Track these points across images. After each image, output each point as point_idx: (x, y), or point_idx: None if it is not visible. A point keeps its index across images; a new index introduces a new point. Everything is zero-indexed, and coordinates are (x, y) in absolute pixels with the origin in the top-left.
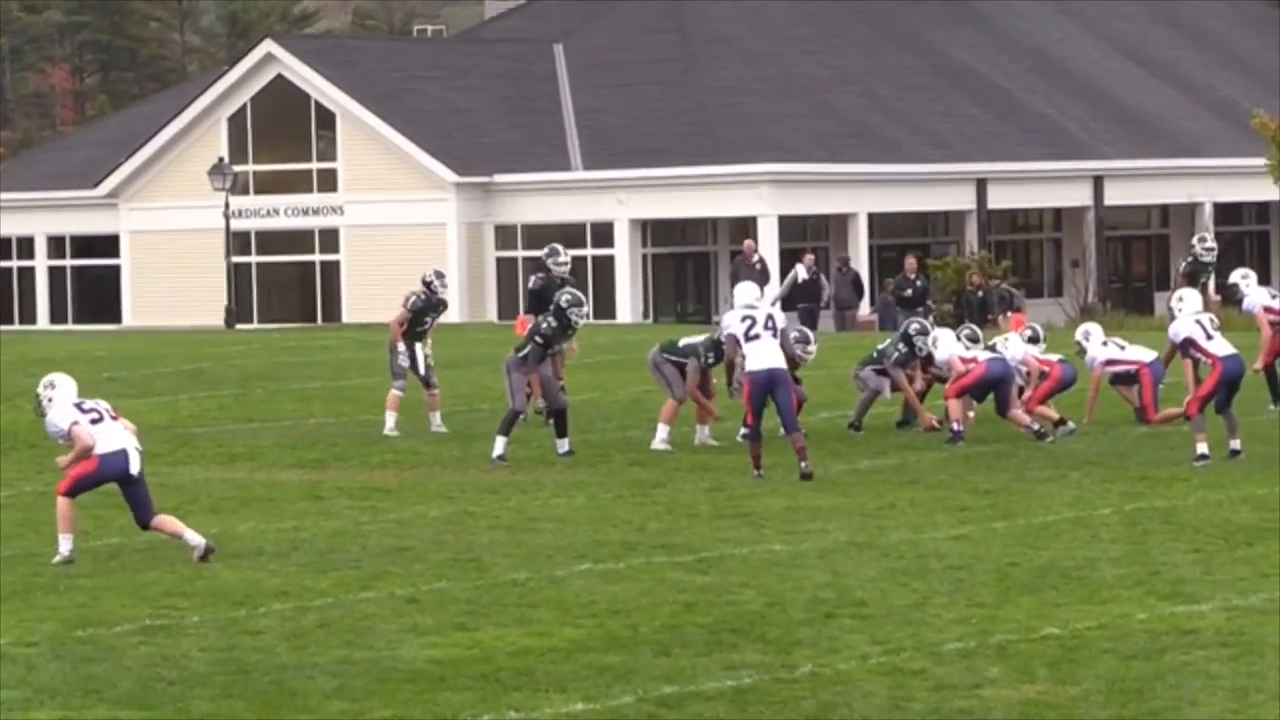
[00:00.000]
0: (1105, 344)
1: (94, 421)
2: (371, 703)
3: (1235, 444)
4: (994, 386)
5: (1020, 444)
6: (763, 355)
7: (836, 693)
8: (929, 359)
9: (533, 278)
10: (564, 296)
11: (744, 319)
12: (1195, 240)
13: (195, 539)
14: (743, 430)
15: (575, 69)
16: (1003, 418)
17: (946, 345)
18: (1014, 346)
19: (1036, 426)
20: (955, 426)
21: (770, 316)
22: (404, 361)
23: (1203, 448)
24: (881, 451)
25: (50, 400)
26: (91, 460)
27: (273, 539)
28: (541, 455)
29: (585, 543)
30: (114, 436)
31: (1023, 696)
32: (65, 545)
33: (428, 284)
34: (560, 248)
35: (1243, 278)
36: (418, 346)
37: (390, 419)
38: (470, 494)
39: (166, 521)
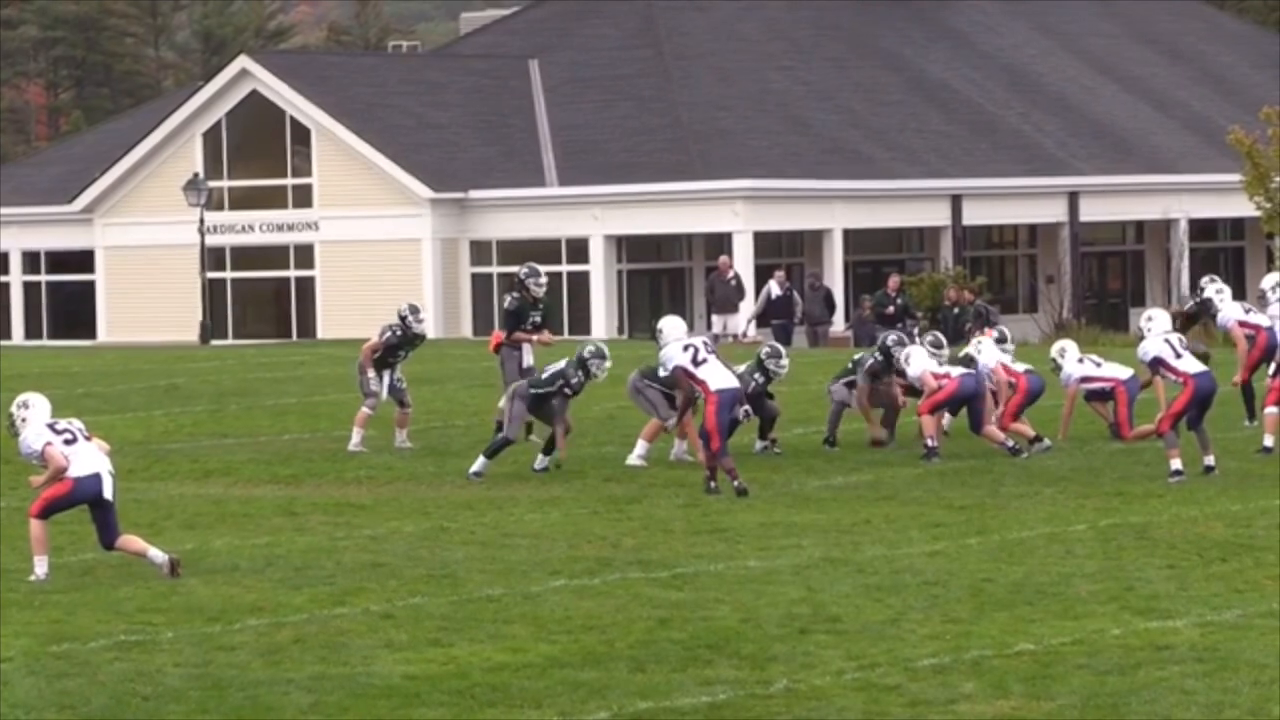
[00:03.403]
0: (1081, 361)
1: (68, 442)
2: (346, 718)
3: (1209, 460)
4: (967, 402)
5: (995, 460)
6: (723, 375)
7: (811, 708)
8: (902, 373)
9: (508, 297)
10: (588, 348)
11: (685, 348)
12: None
13: (158, 556)
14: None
15: (550, 85)
16: (976, 434)
17: (919, 362)
18: (987, 352)
19: (1010, 443)
20: (929, 442)
21: (705, 343)
22: (374, 387)
23: (1177, 464)
24: (856, 468)
25: (24, 420)
26: (65, 483)
27: (247, 555)
28: (517, 471)
29: (560, 558)
30: (88, 459)
31: (997, 712)
32: (41, 567)
33: (403, 318)
34: (539, 268)
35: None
36: (386, 373)
37: (356, 435)
38: (445, 509)
39: (130, 541)
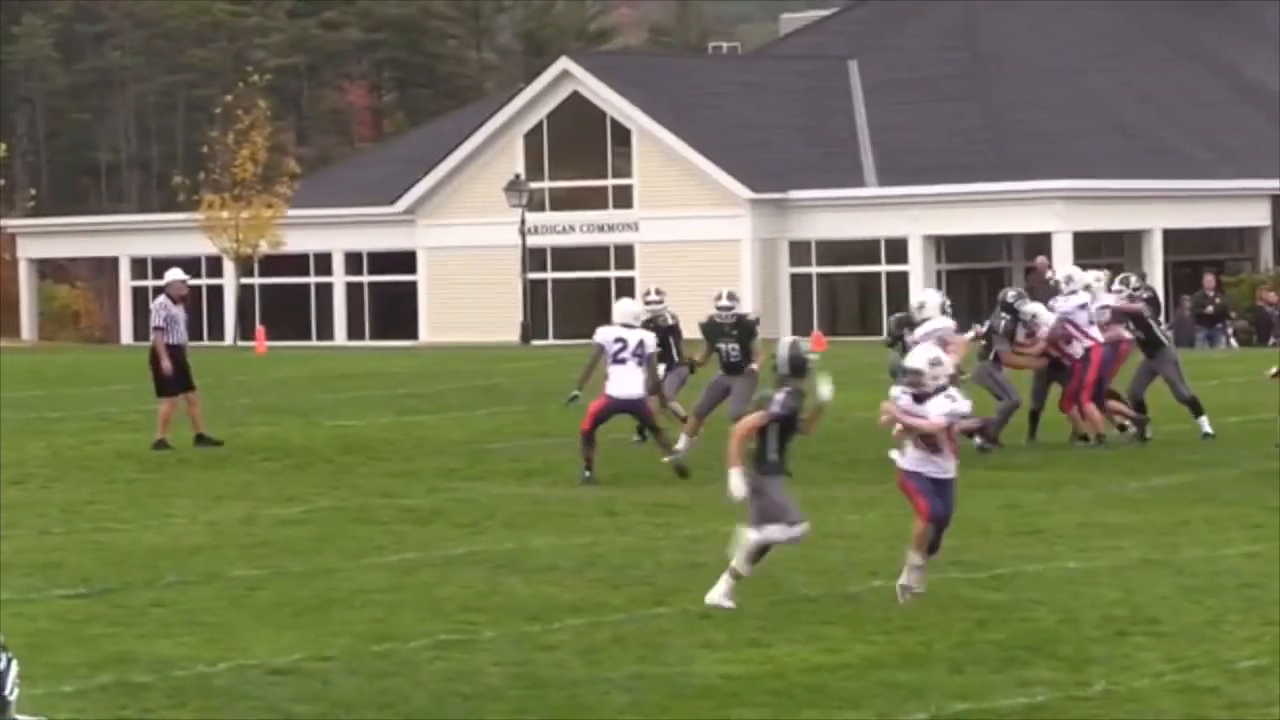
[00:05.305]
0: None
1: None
2: (665, 718)
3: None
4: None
5: None
6: (624, 382)
7: (1130, 710)
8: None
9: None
10: (1009, 293)
11: (616, 339)
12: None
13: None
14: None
15: (869, 86)
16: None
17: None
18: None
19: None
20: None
21: (641, 342)
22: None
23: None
24: (1175, 468)
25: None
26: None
27: (568, 554)
28: (834, 474)
29: (878, 559)
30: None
31: None
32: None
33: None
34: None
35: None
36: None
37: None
38: None
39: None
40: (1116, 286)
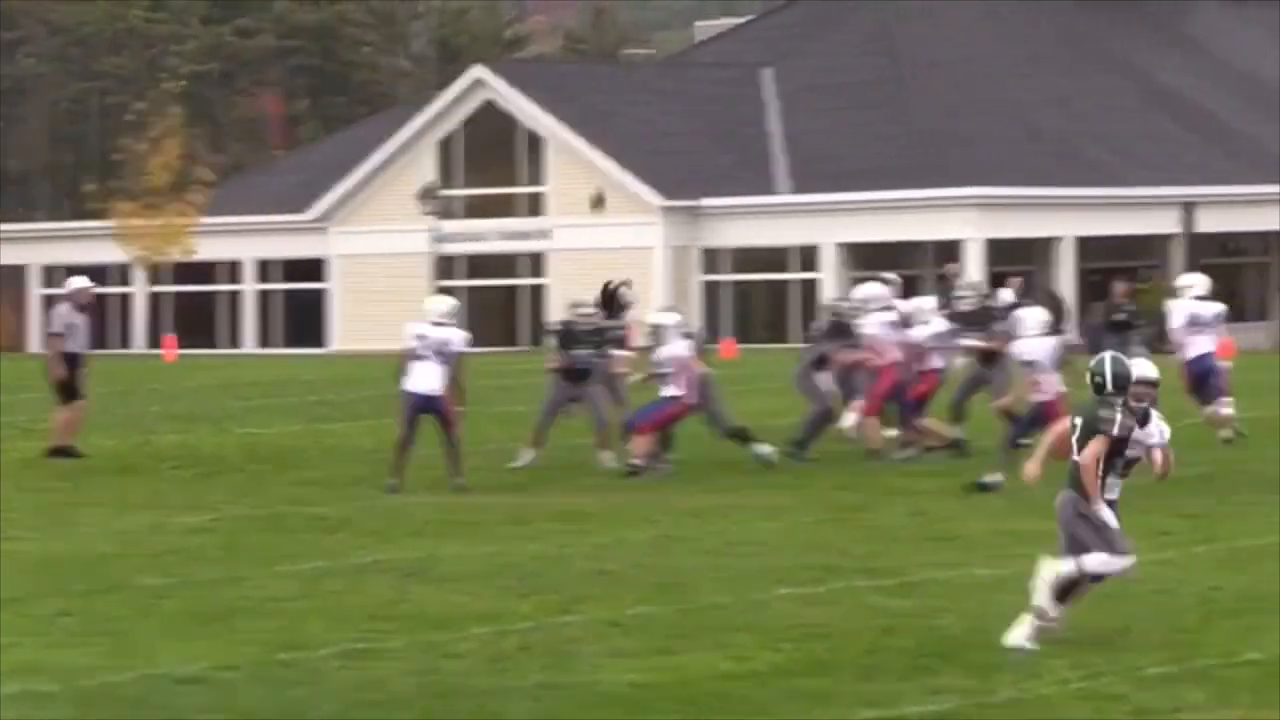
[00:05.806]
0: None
1: None
2: None
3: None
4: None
5: (1225, 467)
6: (420, 377)
7: (1037, 717)
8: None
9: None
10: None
11: (418, 336)
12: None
13: None
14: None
15: (784, 93)
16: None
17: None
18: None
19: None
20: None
21: (446, 340)
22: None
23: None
24: None
25: None
26: None
27: (476, 562)
28: (744, 481)
29: (787, 566)
30: None
31: None
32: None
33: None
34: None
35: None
36: None
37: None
38: (672, 518)
39: None
40: (965, 292)
